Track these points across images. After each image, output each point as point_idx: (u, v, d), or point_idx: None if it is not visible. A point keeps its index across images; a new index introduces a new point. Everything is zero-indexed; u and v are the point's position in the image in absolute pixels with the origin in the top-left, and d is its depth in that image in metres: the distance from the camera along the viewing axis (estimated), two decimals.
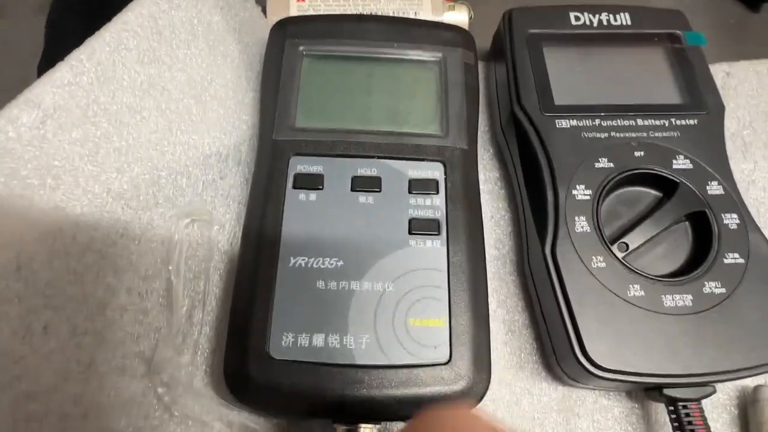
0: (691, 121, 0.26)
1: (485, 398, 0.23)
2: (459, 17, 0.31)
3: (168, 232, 0.22)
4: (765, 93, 0.30)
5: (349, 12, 0.30)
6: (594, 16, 0.28)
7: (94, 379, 0.19)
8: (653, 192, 0.25)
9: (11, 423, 0.17)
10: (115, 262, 0.21)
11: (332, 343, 0.20)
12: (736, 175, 0.28)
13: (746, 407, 0.24)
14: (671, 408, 0.21)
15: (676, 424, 0.21)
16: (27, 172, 0.20)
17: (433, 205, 0.23)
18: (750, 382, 0.24)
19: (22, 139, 0.20)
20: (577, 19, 0.28)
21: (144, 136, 0.23)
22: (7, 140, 0.19)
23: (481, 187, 0.28)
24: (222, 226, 0.24)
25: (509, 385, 0.24)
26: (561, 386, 0.24)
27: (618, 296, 0.22)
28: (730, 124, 0.29)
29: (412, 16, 0.30)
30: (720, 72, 0.31)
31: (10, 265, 0.18)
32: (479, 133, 0.29)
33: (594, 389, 0.24)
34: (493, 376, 0.24)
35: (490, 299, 0.25)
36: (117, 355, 0.20)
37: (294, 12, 0.30)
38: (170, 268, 0.22)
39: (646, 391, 0.22)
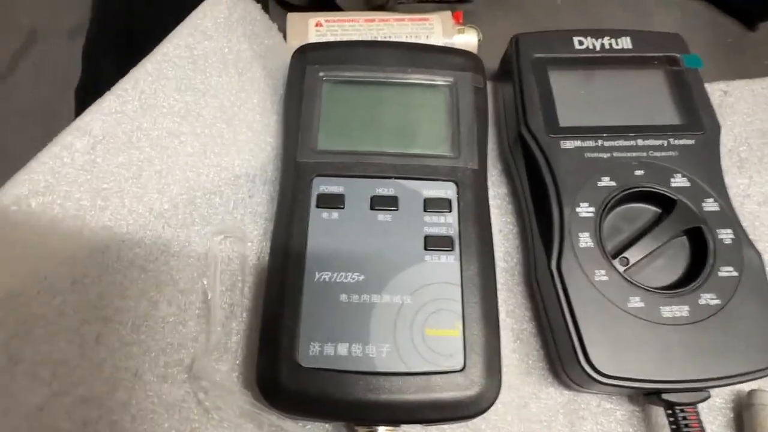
0: (689, 141, 0.27)
1: (499, 405, 0.25)
2: (469, 40, 0.33)
3: (204, 248, 0.24)
4: (760, 111, 0.32)
5: (364, 36, 0.32)
6: (597, 41, 0.30)
7: (140, 386, 0.21)
8: (653, 208, 0.27)
9: (69, 425, 0.19)
10: (157, 276, 0.23)
11: (355, 352, 0.21)
12: (732, 190, 0.30)
13: (741, 411, 0.25)
14: (669, 411, 0.23)
15: (674, 426, 0.23)
16: (80, 194, 0.22)
17: (447, 223, 0.24)
18: (745, 387, 0.25)
19: (76, 163, 0.22)
20: (581, 43, 0.30)
21: (182, 158, 0.25)
22: (63, 165, 0.21)
23: (490, 202, 0.30)
24: (251, 241, 0.26)
25: (517, 390, 0.25)
26: (566, 391, 0.26)
27: (619, 307, 0.24)
28: (726, 141, 0.31)
29: (423, 39, 0.32)
30: (717, 90, 0.32)
31: (66, 281, 0.20)
32: (489, 150, 0.31)
33: (597, 393, 0.25)
34: (502, 381, 0.26)
35: (500, 309, 0.27)
36: (160, 363, 0.22)
37: (312, 37, 0.32)
38: (205, 282, 0.24)
39: (645, 396, 0.24)
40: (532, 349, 0.26)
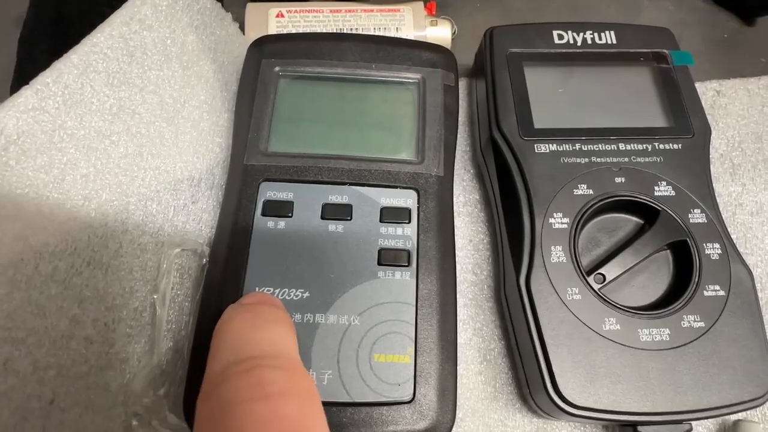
0: (675, 146, 0.25)
1: (458, 428, 0.23)
2: (442, 33, 0.30)
3: (137, 259, 0.22)
4: (755, 112, 0.29)
5: (328, 28, 0.30)
6: (578, 35, 0.27)
7: (56, 415, 0.19)
8: (634, 219, 0.24)
9: None
10: (80, 292, 0.20)
11: None
12: (724, 199, 0.28)
13: None
14: None
15: None
16: None
17: (405, 235, 0.22)
18: (730, 417, 0.23)
19: None
20: (561, 37, 0.27)
21: (113, 161, 0.22)
22: None
23: (460, 209, 0.27)
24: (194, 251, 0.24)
25: (482, 417, 0.23)
26: (536, 418, 0.23)
27: (593, 330, 0.21)
28: (718, 145, 0.29)
29: (393, 32, 0.30)
30: (710, 90, 0.30)
31: None
32: (461, 153, 0.29)
33: (569, 422, 0.23)
34: (466, 406, 0.23)
35: (466, 326, 0.25)
36: (80, 388, 0.20)
37: (273, 28, 0.29)
38: (155, 297, 0.22)
39: (621, 428, 0.22)
40: (500, 371, 0.24)
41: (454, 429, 0.20)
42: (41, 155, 0.21)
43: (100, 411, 0.20)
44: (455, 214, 0.25)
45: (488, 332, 0.25)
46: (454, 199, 0.25)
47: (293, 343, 0.17)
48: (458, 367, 0.22)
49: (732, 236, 0.24)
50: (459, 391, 0.22)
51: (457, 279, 0.23)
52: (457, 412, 0.21)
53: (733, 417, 0.23)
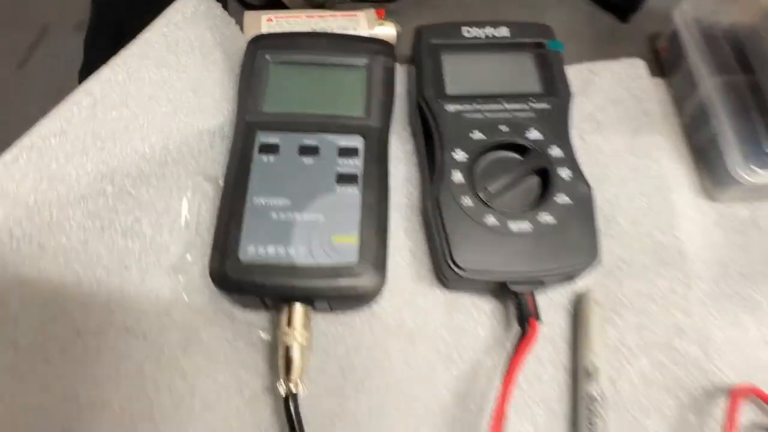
0: (545, 105, 0.36)
1: (396, 300, 0.33)
2: (388, 31, 0.41)
3: (174, 183, 0.33)
4: (616, 86, 0.40)
5: (304, 28, 0.40)
6: (480, 30, 0.38)
7: (136, 275, 0.30)
8: (513, 155, 0.35)
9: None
10: (138, 198, 0.31)
11: (281, 251, 0.30)
12: (590, 146, 0.38)
13: (576, 306, 0.34)
14: (514, 296, 0.32)
15: (518, 310, 0.32)
16: (84, 136, 0.30)
17: (354, 165, 0.33)
18: (581, 288, 0.34)
19: (82, 115, 0.30)
20: (468, 32, 0.38)
21: (159, 117, 0.33)
22: (73, 116, 0.30)
23: (399, 155, 0.38)
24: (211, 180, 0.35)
25: (410, 292, 0.34)
26: (447, 291, 0.34)
27: (479, 224, 0.32)
28: (587, 107, 0.40)
29: (351, 31, 0.41)
30: (585, 70, 0.41)
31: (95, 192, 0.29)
32: (402, 116, 0.40)
33: (469, 293, 0.34)
34: (398, 286, 0.34)
35: (401, 233, 0.36)
36: (142, 262, 0.30)
37: (264, 29, 0.40)
38: (187, 207, 0.33)
39: (501, 289, 0.33)
40: (423, 263, 0.35)
41: (388, 300, 0.31)
42: (114, 110, 0.31)
43: (156, 276, 0.31)
44: (397, 159, 0.36)
45: (415, 237, 0.35)
46: (397, 147, 0.36)
47: None
48: (392, 257, 0.33)
49: (590, 170, 0.35)
50: (389, 274, 0.32)
51: (396, 202, 0.34)
52: (387, 289, 0.31)
53: (583, 289, 0.34)
